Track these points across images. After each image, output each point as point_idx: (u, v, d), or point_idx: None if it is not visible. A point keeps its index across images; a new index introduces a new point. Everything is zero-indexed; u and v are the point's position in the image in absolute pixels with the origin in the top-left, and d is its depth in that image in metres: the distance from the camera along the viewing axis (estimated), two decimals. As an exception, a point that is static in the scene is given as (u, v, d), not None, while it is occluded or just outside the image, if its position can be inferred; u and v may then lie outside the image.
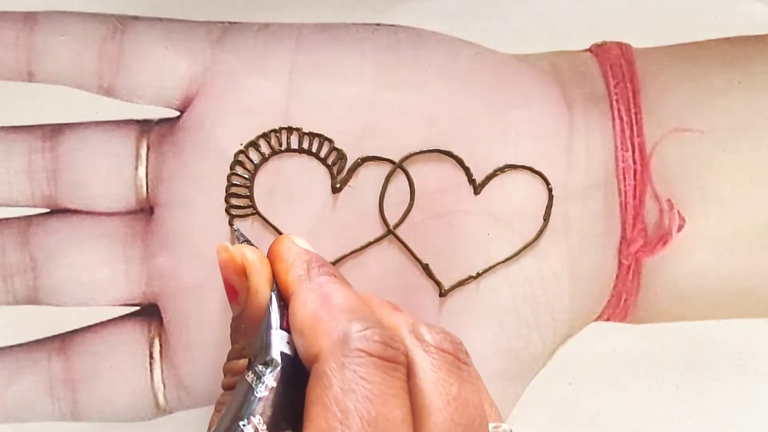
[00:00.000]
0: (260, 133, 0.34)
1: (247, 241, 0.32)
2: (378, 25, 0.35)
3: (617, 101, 0.35)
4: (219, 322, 0.34)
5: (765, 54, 0.36)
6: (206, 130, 0.34)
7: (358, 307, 0.27)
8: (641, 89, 0.35)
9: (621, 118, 0.35)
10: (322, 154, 0.34)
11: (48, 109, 0.34)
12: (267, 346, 0.27)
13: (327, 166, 0.34)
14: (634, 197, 0.35)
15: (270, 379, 0.26)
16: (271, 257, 0.30)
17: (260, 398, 0.26)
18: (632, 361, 0.36)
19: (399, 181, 0.34)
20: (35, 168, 0.34)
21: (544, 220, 0.35)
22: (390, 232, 0.34)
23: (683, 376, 0.36)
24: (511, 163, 0.35)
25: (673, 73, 0.36)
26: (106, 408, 0.34)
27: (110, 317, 0.35)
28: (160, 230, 0.34)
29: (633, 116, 0.35)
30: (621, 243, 0.35)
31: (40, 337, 0.35)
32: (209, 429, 0.28)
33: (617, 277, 0.35)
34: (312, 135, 0.34)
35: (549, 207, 0.35)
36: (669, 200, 0.35)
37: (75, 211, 0.34)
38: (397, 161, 0.34)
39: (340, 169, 0.34)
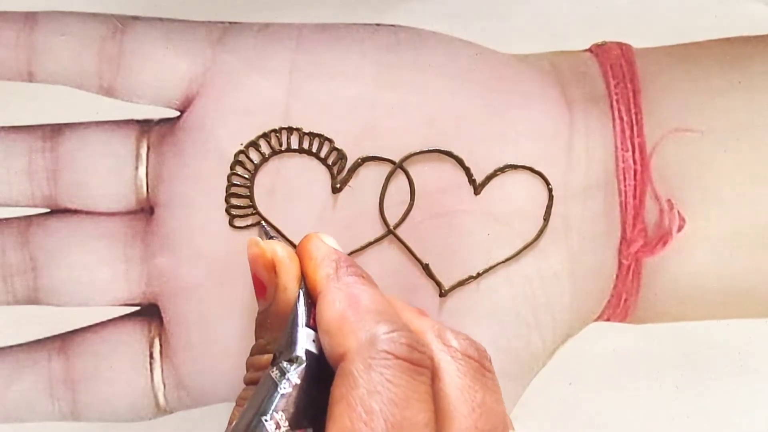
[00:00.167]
0: (260, 133, 0.34)
1: (273, 238, 0.32)
2: (378, 25, 0.35)
3: (617, 101, 0.35)
4: (219, 322, 0.34)
5: (765, 54, 0.36)
6: (206, 130, 0.34)
7: (385, 309, 0.27)
8: (641, 89, 0.35)
9: (621, 118, 0.35)
10: (323, 154, 0.34)
11: (48, 109, 0.34)
12: (293, 343, 0.27)
13: (327, 166, 0.34)
14: (634, 197, 0.35)
15: (294, 376, 0.26)
16: (300, 255, 0.30)
17: (283, 394, 0.26)
18: (632, 361, 0.36)
19: (399, 181, 0.34)
20: (35, 168, 0.34)
21: (544, 220, 0.35)
22: (390, 232, 0.34)
23: (683, 376, 0.36)
24: (511, 163, 0.35)
25: (674, 73, 0.36)
26: (106, 408, 0.34)
27: (110, 317, 0.35)
28: (160, 230, 0.34)
29: (633, 116, 0.35)
30: (621, 243, 0.35)
31: (40, 337, 0.35)
32: (230, 422, 0.28)
33: (617, 277, 0.35)
34: (312, 135, 0.34)
35: (549, 207, 0.35)
36: (669, 200, 0.35)
37: (75, 211, 0.34)
38: (397, 161, 0.34)
39: (340, 169, 0.34)
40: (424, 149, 0.34)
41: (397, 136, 0.34)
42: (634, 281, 0.35)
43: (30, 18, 0.34)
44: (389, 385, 0.25)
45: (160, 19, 0.34)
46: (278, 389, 0.26)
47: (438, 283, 0.35)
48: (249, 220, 0.34)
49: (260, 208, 0.34)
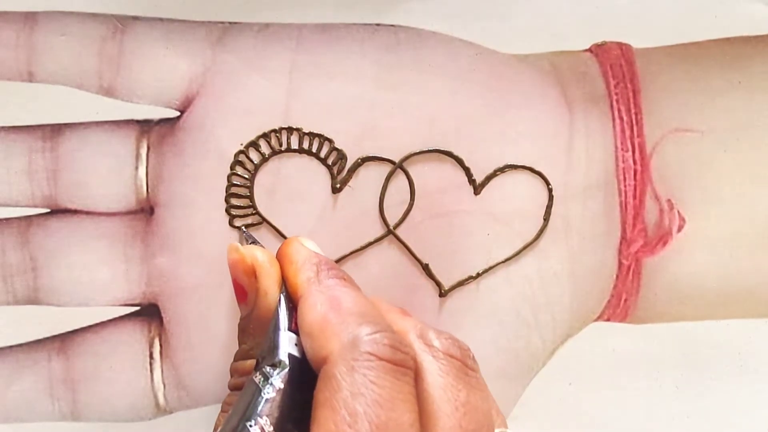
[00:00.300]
0: (260, 133, 0.34)
1: (255, 242, 0.32)
2: (378, 25, 0.35)
3: (617, 101, 0.35)
4: (219, 322, 0.34)
5: (765, 54, 0.36)
6: (206, 130, 0.34)
7: (367, 310, 0.27)
8: (641, 89, 0.35)
9: (621, 119, 0.35)
10: (322, 154, 0.34)
11: (48, 109, 0.34)
12: (275, 347, 0.27)
13: (327, 166, 0.34)
14: (634, 197, 0.35)
15: (278, 381, 0.26)
16: (280, 259, 0.30)
17: (267, 399, 0.26)
18: (632, 361, 0.36)
19: (399, 181, 0.34)
20: (35, 168, 0.34)
21: (544, 220, 0.35)
22: (390, 232, 0.34)
23: (683, 376, 0.36)
24: (511, 163, 0.35)
25: (674, 73, 0.36)
26: (106, 408, 0.34)
27: (110, 317, 0.35)
28: (160, 230, 0.34)
29: (633, 116, 0.35)
30: (621, 243, 0.35)
31: (40, 337, 0.35)
32: (215, 429, 0.28)
33: (617, 277, 0.35)
34: (312, 135, 0.34)
35: (549, 207, 0.35)
36: (669, 200, 0.35)
37: (75, 211, 0.34)
38: (397, 161, 0.34)
39: (340, 169, 0.34)
40: (424, 149, 0.34)
41: (397, 136, 0.34)
42: (634, 281, 0.35)
43: (30, 18, 0.34)
44: (373, 386, 0.25)
45: (160, 19, 0.34)
46: (262, 394, 0.26)
47: (438, 283, 0.35)
48: (249, 220, 0.34)
49: (260, 208, 0.34)
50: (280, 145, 0.34)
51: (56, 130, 0.34)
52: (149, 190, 0.34)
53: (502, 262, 0.35)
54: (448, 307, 0.35)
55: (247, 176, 0.34)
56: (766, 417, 0.36)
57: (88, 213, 0.34)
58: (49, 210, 0.34)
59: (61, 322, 0.34)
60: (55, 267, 0.34)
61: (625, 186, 0.35)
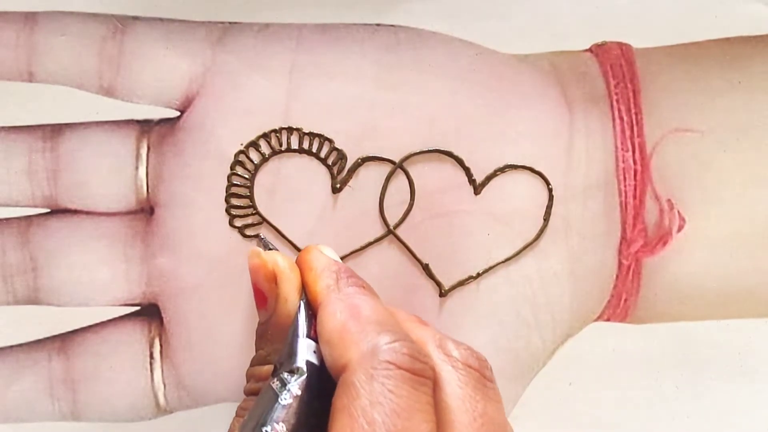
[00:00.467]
0: (260, 133, 0.34)
1: (273, 249, 0.32)
2: (378, 25, 0.35)
3: (617, 101, 0.35)
4: (219, 322, 0.34)
5: (765, 54, 0.36)
6: (206, 130, 0.34)
7: (386, 319, 0.27)
8: (641, 89, 0.35)
9: (621, 119, 0.35)
10: (323, 154, 0.34)
11: (48, 109, 0.34)
12: (293, 354, 0.27)
13: (327, 166, 0.34)
14: (634, 197, 0.35)
15: (295, 387, 0.26)
16: (300, 266, 0.30)
17: (284, 406, 0.26)
18: (632, 361, 0.36)
19: (399, 181, 0.34)
20: (35, 168, 0.34)
21: (544, 220, 0.35)
22: (390, 232, 0.34)
23: (683, 376, 0.36)
24: (511, 163, 0.35)
25: (674, 73, 0.36)
26: (106, 408, 0.34)
27: (110, 317, 0.35)
28: (161, 230, 0.34)
29: (633, 116, 0.35)
30: (621, 243, 0.35)
31: (40, 337, 0.35)
32: None
33: (617, 277, 0.35)
34: (312, 135, 0.34)
35: (549, 207, 0.35)
36: (669, 200, 0.35)
37: (75, 211, 0.34)
38: (397, 161, 0.34)
39: (340, 169, 0.34)
40: (424, 149, 0.34)
41: (397, 136, 0.34)
42: (634, 281, 0.35)
43: (30, 18, 0.34)
44: (391, 395, 0.25)
45: (160, 19, 0.34)
46: (279, 400, 0.26)
47: (438, 283, 0.35)
48: (249, 220, 0.34)
49: (260, 208, 0.34)
50: (280, 145, 0.34)
51: (56, 130, 0.34)
52: (149, 190, 0.34)
53: (502, 262, 0.35)
54: (448, 307, 0.35)
55: (247, 176, 0.34)
56: (766, 417, 0.36)
57: (88, 213, 0.34)
58: (49, 210, 0.34)
59: (61, 322, 0.34)
60: (55, 267, 0.34)
61: (625, 186, 0.35)
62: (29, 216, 0.34)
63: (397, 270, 0.34)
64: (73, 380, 0.34)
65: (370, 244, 0.34)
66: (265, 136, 0.34)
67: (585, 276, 0.35)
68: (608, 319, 0.36)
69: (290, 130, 0.34)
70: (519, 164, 0.35)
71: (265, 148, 0.34)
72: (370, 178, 0.34)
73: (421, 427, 0.25)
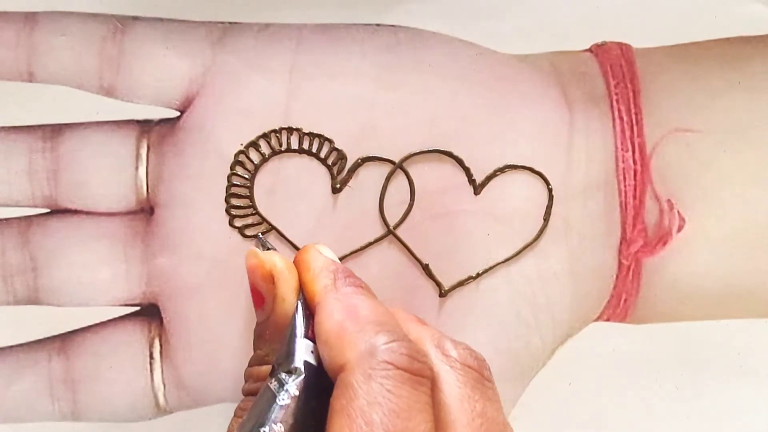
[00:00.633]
0: (260, 133, 0.34)
1: (271, 249, 0.32)
2: (378, 25, 0.35)
3: (617, 101, 0.35)
4: (219, 322, 0.34)
5: (765, 54, 0.36)
6: (206, 130, 0.34)
7: (384, 319, 0.27)
8: (641, 89, 0.35)
9: (621, 119, 0.35)
10: (322, 155, 0.34)
11: (48, 109, 0.34)
12: (291, 354, 0.27)
13: (327, 166, 0.34)
14: (634, 197, 0.35)
15: (293, 388, 0.26)
16: (297, 266, 0.30)
17: (282, 406, 0.26)
18: (632, 361, 0.36)
19: (399, 181, 0.34)
20: (35, 168, 0.34)
21: (544, 220, 0.35)
22: (390, 232, 0.34)
23: (683, 376, 0.36)
24: (511, 163, 0.35)
25: (674, 73, 0.36)
26: (106, 408, 0.34)
27: (110, 317, 0.35)
28: (161, 230, 0.34)
29: (633, 116, 0.35)
30: (621, 243, 0.35)
31: (40, 337, 0.35)
32: None
33: (617, 277, 0.35)
34: (312, 135, 0.34)
35: (549, 207, 0.35)
36: (669, 200, 0.35)
37: (75, 212, 0.34)
38: (397, 161, 0.34)
39: (340, 170, 0.34)
40: (424, 149, 0.34)
41: (397, 136, 0.34)
42: (634, 281, 0.35)
43: (30, 18, 0.34)
44: (389, 395, 0.25)
45: (160, 20, 0.34)
46: (277, 400, 0.26)
47: (438, 283, 0.35)
48: (249, 220, 0.34)
49: (260, 208, 0.34)
50: (280, 145, 0.34)
51: (56, 130, 0.34)
52: (149, 190, 0.34)
53: (502, 262, 0.35)
54: (448, 307, 0.35)
55: (247, 176, 0.34)
56: (766, 417, 0.36)
57: (88, 213, 0.34)
58: (49, 210, 0.34)
59: (61, 322, 0.34)
60: (56, 267, 0.34)
61: (625, 186, 0.35)
62: (29, 216, 0.34)
63: (397, 270, 0.34)
64: (73, 380, 0.34)
65: (370, 244, 0.34)
66: (265, 136, 0.34)
67: (585, 276, 0.35)
68: (608, 319, 0.36)
69: (290, 130, 0.34)
70: (519, 164, 0.35)
71: (265, 148, 0.34)
72: (370, 178, 0.34)
73: (419, 427, 0.25)
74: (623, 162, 0.35)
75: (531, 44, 0.36)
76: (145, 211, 0.34)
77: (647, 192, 0.35)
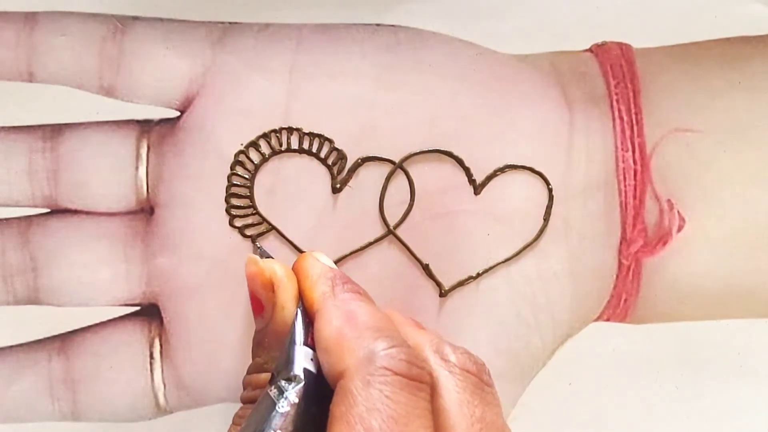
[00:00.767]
0: (260, 133, 0.34)
1: (268, 257, 0.32)
2: (378, 25, 0.35)
3: (617, 101, 0.35)
4: (219, 322, 0.34)
5: (765, 54, 0.36)
6: (206, 130, 0.34)
7: (383, 324, 0.27)
8: (641, 89, 0.35)
9: (621, 119, 0.35)
10: (322, 155, 0.34)
11: (48, 109, 0.34)
12: (291, 361, 0.27)
13: (327, 166, 0.34)
14: (634, 197, 0.35)
15: (292, 395, 0.26)
16: (296, 273, 0.30)
17: (282, 414, 0.26)
18: (632, 361, 0.36)
19: (399, 181, 0.34)
20: (35, 168, 0.34)
21: (544, 220, 0.35)
22: (390, 232, 0.34)
23: (683, 376, 0.36)
24: (511, 163, 0.35)
25: (674, 73, 0.36)
26: (107, 408, 0.34)
27: (110, 317, 0.35)
28: (161, 230, 0.34)
29: (633, 116, 0.35)
30: (621, 243, 0.35)
31: (40, 337, 0.35)
32: None
33: (617, 277, 0.35)
34: (312, 135, 0.34)
35: (549, 207, 0.35)
36: (669, 200, 0.35)
37: (75, 212, 0.34)
38: (397, 161, 0.34)
39: (340, 170, 0.34)
40: (424, 149, 0.34)
41: (397, 136, 0.34)
42: (634, 281, 0.35)
43: (30, 18, 0.34)
44: (388, 401, 0.25)
45: (160, 20, 0.34)
46: (277, 408, 0.26)
47: (438, 283, 0.35)
48: (249, 220, 0.34)
49: (260, 208, 0.34)
50: (280, 145, 0.34)
51: (56, 130, 0.34)
52: (149, 190, 0.34)
53: (502, 262, 0.35)
54: (448, 307, 0.35)
55: (247, 176, 0.34)
56: (766, 417, 0.36)
57: (88, 213, 0.34)
58: (49, 210, 0.34)
59: (61, 322, 0.34)
60: (56, 267, 0.34)
61: (625, 186, 0.35)
62: (29, 216, 0.34)
63: (397, 270, 0.34)
64: (73, 380, 0.34)
65: (370, 244, 0.34)
66: (265, 136, 0.34)
67: (585, 276, 0.35)
68: (608, 319, 0.36)
69: (290, 130, 0.34)
70: (519, 164, 0.35)
71: (265, 148, 0.34)
72: (370, 178, 0.34)
73: None
74: (623, 162, 0.35)
75: (531, 44, 0.36)
76: (145, 211, 0.34)
77: (647, 192, 0.35)
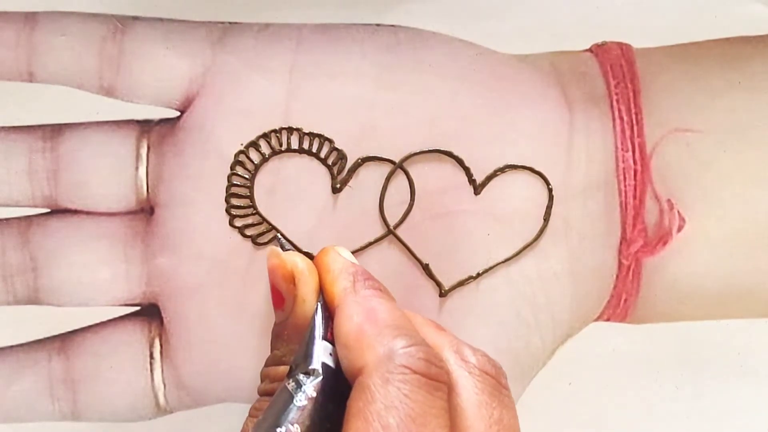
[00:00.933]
0: (260, 133, 0.34)
1: (290, 249, 0.32)
2: (378, 25, 0.35)
3: (618, 101, 0.35)
4: (220, 322, 0.34)
5: (765, 54, 0.36)
6: (206, 130, 0.34)
7: (403, 323, 0.27)
8: (641, 89, 0.35)
9: (621, 119, 0.35)
10: (323, 155, 0.34)
11: (48, 109, 0.34)
12: (309, 355, 0.27)
13: (327, 166, 0.34)
14: (634, 197, 0.35)
15: (310, 389, 0.26)
16: (317, 267, 0.30)
17: (299, 407, 0.26)
18: (632, 361, 0.36)
19: (399, 181, 0.34)
20: (35, 168, 0.34)
21: (544, 220, 0.35)
22: (390, 232, 0.34)
23: (683, 376, 0.36)
24: (511, 163, 0.35)
25: (674, 73, 0.36)
26: (107, 408, 0.34)
27: (110, 317, 0.35)
28: (161, 230, 0.34)
29: (633, 116, 0.35)
30: (621, 243, 0.35)
31: (40, 337, 0.35)
32: None
33: (617, 277, 0.35)
34: (312, 135, 0.34)
35: (549, 207, 0.35)
36: (669, 200, 0.35)
37: (75, 212, 0.34)
38: (397, 161, 0.34)
39: (340, 170, 0.34)
40: (424, 149, 0.34)
41: (397, 136, 0.34)
42: (634, 281, 0.35)
43: (30, 18, 0.34)
44: (407, 400, 0.25)
45: (160, 20, 0.34)
46: (294, 401, 0.26)
47: (438, 283, 0.35)
48: (249, 220, 0.34)
49: (260, 208, 0.34)
50: (280, 145, 0.34)
51: (56, 130, 0.34)
52: (149, 190, 0.34)
53: (502, 262, 0.35)
54: (448, 307, 0.35)
55: (247, 176, 0.34)
56: (766, 417, 0.36)
57: (88, 213, 0.34)
58: (49, 210, 0.34)
59: (61, 322, 0.34)
60: (56, 267, 0.34)
61: (625, 186, 0.35)
62: (29, 216, 0.34)
63: (397, 270, 0.34)
64: (73, 380, 0.34)
65: (370, 244, 0.34)
66: (265, 136, 0.34)
67: (585, 276, 0.35)
68: (608, 319, 0.36)
69: (290, 130, 0.34)
70: (519, 164, 0.35)
71: (265, 148, 0.34)
72: (370, 178, 0.34)
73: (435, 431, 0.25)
74: (623, 162, 0.35)
75: (531, 44, 0.36)
76: (145, 211, 0.34)
77: (647, 192, 0.35)
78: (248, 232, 0.34)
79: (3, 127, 0.34)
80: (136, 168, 0.34)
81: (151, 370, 0.34)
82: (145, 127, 0.34)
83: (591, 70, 0.36)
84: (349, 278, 0.29)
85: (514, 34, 0.36)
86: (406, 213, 0.34)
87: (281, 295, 0.30)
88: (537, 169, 0.35)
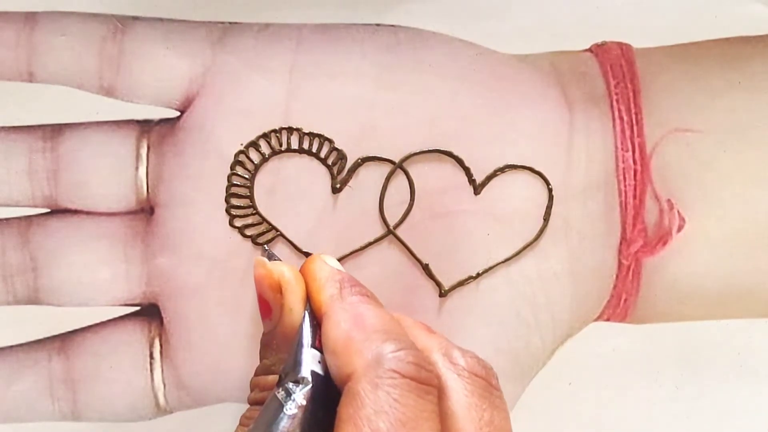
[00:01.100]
0: (260, 133, 0.34)
1: (277, 260, 0.32)
2: (378, 25, 0.35)
3: (617, 101, 0.35)
4: (219, 322, 0.34)
5: (765, 54, 0.36)
6: (206, 130, 0.34)
7: (391, 327, 0.27)
8: (641, 89, 0.35)
9: (621, 119, 0.35)
10: (322, 155, 0.34)
11: (48, 109, 0.34)
12: (298, 364, 0.27)
13: (327, 166, 0.34)
14: (634, 197, 0.35)
15: (300, 397, 0.26)
16: (303, 276, 0.30)
17: (290, 416, 0.26)
18: (632, 361, 0.36)
19: (399, 181, 0.34)
20: (35, 168, 0.34)
21: (544, 220, 0.35)
22: (390, 232, 0.34)
23: (683, 376, 0.36)
24: (511, 163, 0.35)
25: (674, 73, 0.36)
26: (107, 408, 0.34)
27: (110, 317, 0.35)
28: (161, 230, 0.34)
29: (633, 116, 0.35)
30: (621, 243, 0.35)
31: (40, 337, 0.35)
32: None
33: (617, 277, 0.35)
34: (312, 135, 0.34)
35: (549, 207, 0.35)
36: (669, 200, 0.35)
37: (75, 212, 0.34)
38: (397, 161, 0.34)
39: (340, 170, 0.34)
40: (424, 149, 0.34)
41: (397, 136, 0.34)
42: (634, 281, 0.35)
43: (30, 18, 0.34)
44: (396, 404, 0.25)
45: (160, 20, 0.34)
46: (284, 410, 0.26)
47: (438, 283, 0.35)
48: (249, 220, 0.34)
49: (260, 208, 0.34)
50: (280, 145, 0.34)
51: (56, 130, 0.34)
52: (149, 190, 0.34)
53: (502, 262, 0.35)
54: (448, 307, 0.35)
55: (247, 176, 0.34)
56: (766, 417, 0.36)
57: (88, 213, 0.34)
58: (49, 210, 0.34)
59: (61, 322, 0.34)
60: (56, 267, 0.34)
61: (625, 186, 0.35)
62: (29, 216, 0.34)
63: (397, 270, 0.34)
64: (73, 380, 0.34)
65: (370, 244, 0.34)
66: (265, 136, 0.34)
67: (585, 276, 0.35)
68: (608, 319, 0.36)
69: (290, 130, 0.34)
70: (519, 164, 0.35)
71: (265, 148, 0.34)
72: (370, 178, 0.34)
73: None
74: (623, 162, 0.35)
75: (531, 44, 0.36)
76: (145, 211, 0.34)
77: (647, 192, 0.35)
78: (248, 232, 0.34)
79: (3, 127, 0.34)
80: (136, 168, 0.34)
81: (151, 370, 0.34)
82: (145, 127, 0.34)
83: (591, 70, 0.36)
84: (336, 285, 0.29)
85: (514, 34, 0.36)
86: (406, 213, 0.34)
87: (269, 304, 0.30)
88: (537, 169, 0.35)
